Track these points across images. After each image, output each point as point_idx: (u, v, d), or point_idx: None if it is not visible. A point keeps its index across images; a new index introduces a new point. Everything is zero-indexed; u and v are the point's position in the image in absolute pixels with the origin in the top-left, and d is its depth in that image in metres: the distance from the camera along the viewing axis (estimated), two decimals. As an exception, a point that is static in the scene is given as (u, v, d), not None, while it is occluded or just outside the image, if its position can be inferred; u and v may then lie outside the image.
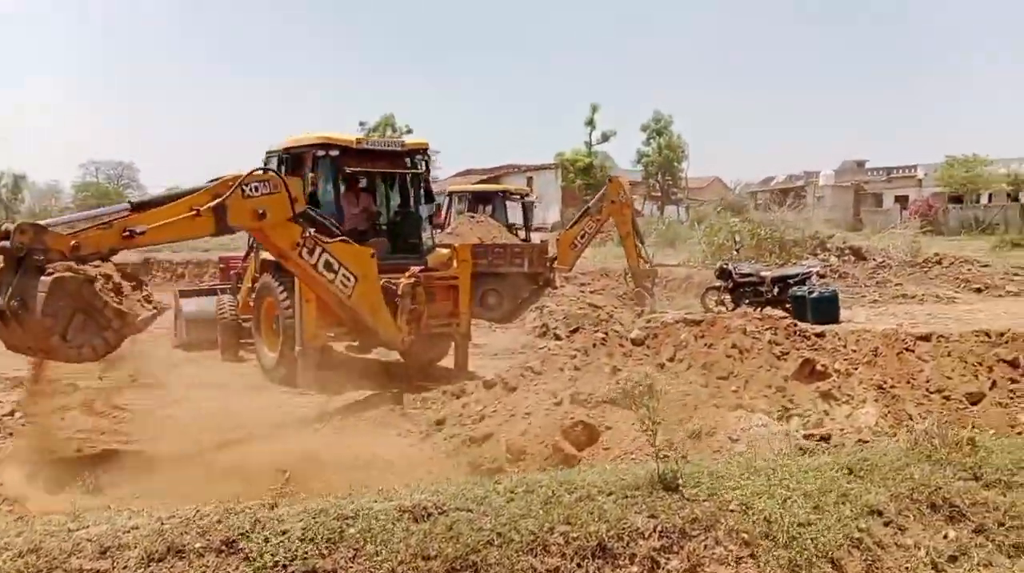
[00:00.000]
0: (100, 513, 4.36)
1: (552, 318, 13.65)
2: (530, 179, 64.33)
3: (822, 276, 16.21)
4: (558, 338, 8.17)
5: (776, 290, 14.12)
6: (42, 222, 6.17)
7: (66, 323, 5.59)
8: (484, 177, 58.49)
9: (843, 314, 13.73)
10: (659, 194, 57.40)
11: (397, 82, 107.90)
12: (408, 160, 9.67)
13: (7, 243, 5.63)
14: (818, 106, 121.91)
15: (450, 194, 20.18)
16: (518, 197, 19.73)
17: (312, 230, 7.47)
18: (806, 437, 5.67)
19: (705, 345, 7.84)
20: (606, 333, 7.82)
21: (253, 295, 9.89)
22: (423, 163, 9.82)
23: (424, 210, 9.99)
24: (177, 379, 9.42)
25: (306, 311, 8.55)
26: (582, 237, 18.56)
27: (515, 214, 19.67)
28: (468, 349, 9.88)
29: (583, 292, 17.20)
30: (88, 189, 57.37)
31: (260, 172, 7.04)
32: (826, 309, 13.01)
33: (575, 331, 7.89)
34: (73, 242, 5.90)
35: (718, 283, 15.05)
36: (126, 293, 6.01)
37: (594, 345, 7.55)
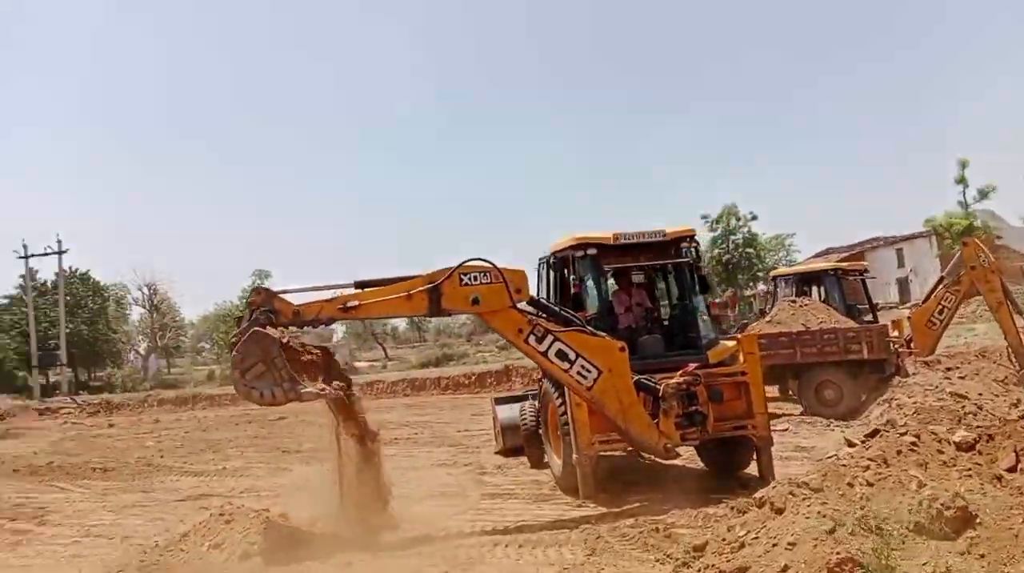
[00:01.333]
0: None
1: (902, 413, 11.58)
2: (900, 251, 58.07)
3: None
4: (851, 445, 6.75)
5: None
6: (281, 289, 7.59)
7: (249, 366, 6.71)
8: (845, 254, 54.29)
9: None
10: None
11: (743, 171, 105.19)
12: (674, 250, 9.09)
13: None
14: None
15: (774, 278, 18.69)
16: (856, 274, 17.55)
17: (540, 318, 7.85)
18: None
19: (1067, 450, 5.91)
20: (918, 435, 6.29)
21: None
22: (692, 251, 9.15)
23: (699, 301, 9.23)
24: (477, 487, 9.71)
25: (578, 415, 8.26)
26: (940, 313, 15.84)
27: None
28: (772, 454, 8.71)
29: (948, 379, 14.39)
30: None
31: (478, 262, 7.62)
32: None
33: (874, 435, 6.45)
34: (295, 308, 7.26)
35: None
36: (321, 371, 7.32)
37: (899, 452, 6.09)
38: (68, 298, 45.78)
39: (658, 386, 8.07)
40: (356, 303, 7.47)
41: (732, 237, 56.66)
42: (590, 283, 9.20)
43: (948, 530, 4.91)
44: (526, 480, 9.83)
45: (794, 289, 17.36)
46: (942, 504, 4.96)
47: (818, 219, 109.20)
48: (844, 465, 6.00)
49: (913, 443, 6.24)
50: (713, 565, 5.39)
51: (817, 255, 60.30)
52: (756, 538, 5.44)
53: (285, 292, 7.50)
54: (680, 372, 8.23)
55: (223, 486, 11.02)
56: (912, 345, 15.89)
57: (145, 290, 61.69)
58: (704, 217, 55.28)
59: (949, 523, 4.91)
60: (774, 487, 5.85)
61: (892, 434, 6.34)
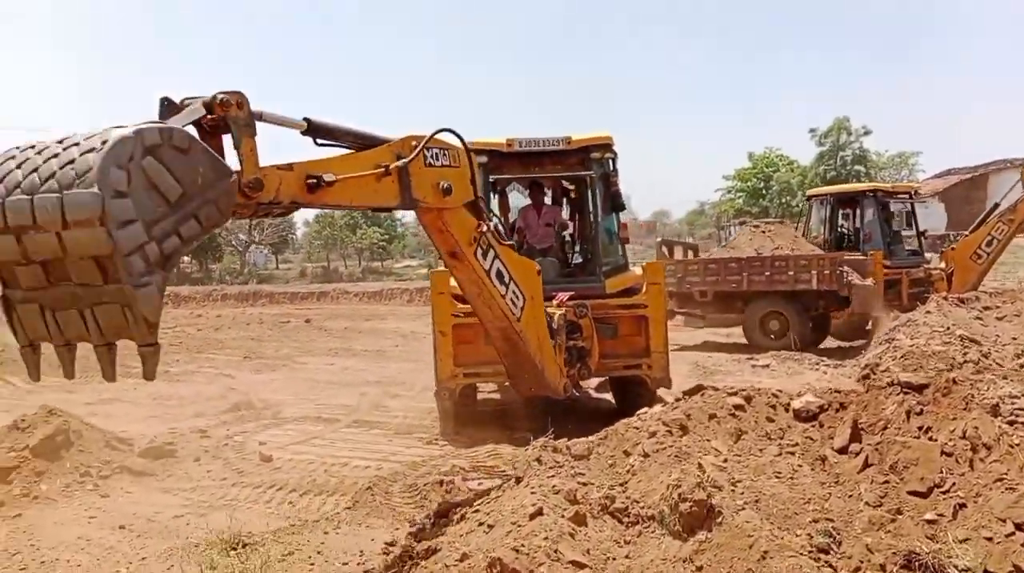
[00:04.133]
0: None
1: (892, 357, 9.91)
2: (1029, 174, 51.96)
3: None
4: (663, 402, 5.51)
5: None
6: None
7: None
8: (968, 176, 49.44)
9: None
10: None
11: (858, 84, 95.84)
12: (584, 161, 7.72)
13: None
14: None
15: (808, 198, 16.59)
16: (905, 196, 15.30)
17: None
18: None
19: (919, 428, 4.54)
20: (749, 398, 5.05)
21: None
22: (609, 163, 7.73)
23: (609, 221, 7.90)
24: (367, 412, 9.03)
25: (440, 345, 7.31)
26: (988, 244, 13.63)
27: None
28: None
29: (980, 319, 12.36)
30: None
31: (447, 137, 4.61)
32: None
33: (695, 392, 5.21)
34: (262, 173, 3.23)
35: None
36: None
37: (713, 416, 4.89)
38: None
39: (551, 317, 6.85)
40: (332, 178, 3.64)
41: (841, 153, 52.27)
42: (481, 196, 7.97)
43: (681, 528, 3.78)
44: (424, 408, 9.01)
45: (829, 211, 15.35)
46: (680, 494, 3.80)
47: (943, 139, 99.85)
48: (636, 428, 4.86)
49: (739, 406, 5.01)
50: (426, 540, 4.46)
51: (937, 176, 55.11)
52: (476, 512, 4.46)
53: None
54: (556, 302, 7.08)
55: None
56: (954, 279, 13.82)
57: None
58: (812, 130, 51.13)
59: (684, 519, 3.77)
60: (528, 450, 4.80)
61: (718, 394, 5.09)
